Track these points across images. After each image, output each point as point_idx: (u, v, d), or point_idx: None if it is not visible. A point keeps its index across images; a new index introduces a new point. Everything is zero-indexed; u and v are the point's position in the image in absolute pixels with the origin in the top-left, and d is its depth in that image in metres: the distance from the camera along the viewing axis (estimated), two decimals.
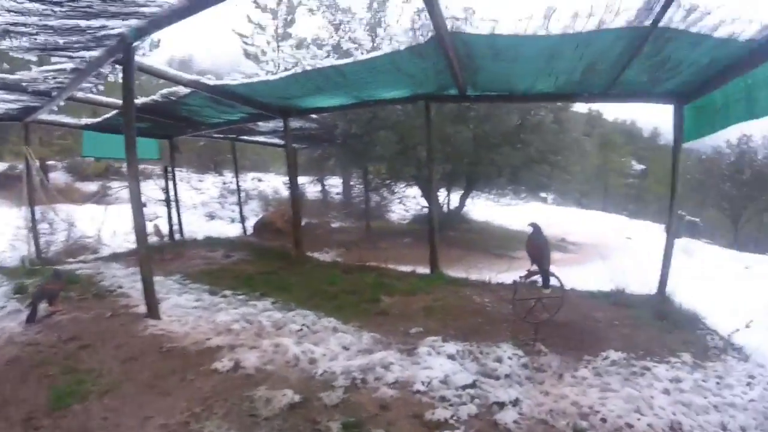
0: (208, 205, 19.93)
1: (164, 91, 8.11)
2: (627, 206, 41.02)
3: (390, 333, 4.94)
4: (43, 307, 5.26)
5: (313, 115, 10.05)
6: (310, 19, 17.34)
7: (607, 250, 13.01)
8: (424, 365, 4.00)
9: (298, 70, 6.15)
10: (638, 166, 47.04)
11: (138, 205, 5.28)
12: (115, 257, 9.88)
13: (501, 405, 3.43)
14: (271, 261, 8.83)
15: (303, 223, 13.49)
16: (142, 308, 5.39)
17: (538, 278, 5.18)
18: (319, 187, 21.27)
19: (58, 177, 22.15)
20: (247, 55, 25.63)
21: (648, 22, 4.38)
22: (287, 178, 12.34)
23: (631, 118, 56.34)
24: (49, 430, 3.22)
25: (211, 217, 18.28)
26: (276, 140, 14.05)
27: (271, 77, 6.50)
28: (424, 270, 8.01)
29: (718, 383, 4.04)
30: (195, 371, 3.88)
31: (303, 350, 4.15)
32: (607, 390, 3.80)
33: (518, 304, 5.12)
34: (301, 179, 17.60)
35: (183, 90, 7.76)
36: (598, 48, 5.06)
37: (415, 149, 12.98)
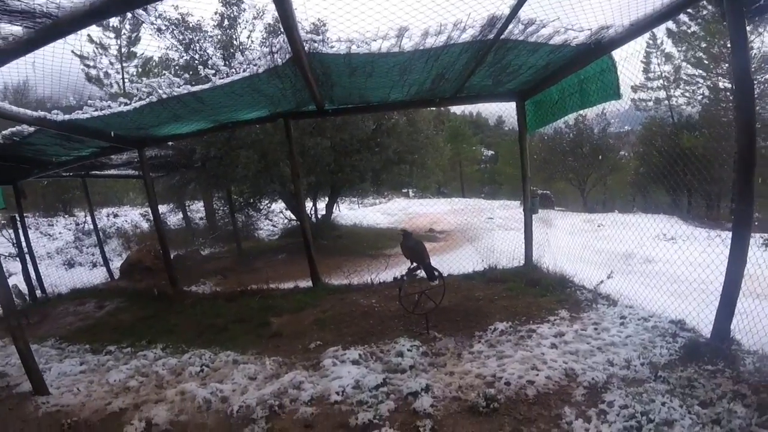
0: (64, 251, 18.17)
1: (6, 132, 7.20)
2: (483, 189, 43.98)
3: (290, 353, 4.98)
4: None
5: (169, 142, 9.69)
6: (157, 39, 16.40)
7: (473, 233, 13.87)
8: (333, 376, 4.13)
9: (154, 98, 5.90)
10: (488, 152, 50.83)
11: None
12: None
13: (415, 394, 3.67)
14: (149, 304, 8.31)
15: (173, 256, 12.89)
16: (26, 386, 4.79)
17: (419, 272, 5.51)
18: (180, 215, 20.37)
19: None
20: (89, 78, 23.69)
21: (491, 36, 4.86)
22: (146, 209, 11.48)
23: (477, 110, 60.34)
24: None
25: (70, 264, 16.69)
26: (130, 171, 13.22)
27: (125, 108, 6.08)
28: (306, 284, 8.06)
29: (596, 329, 4.67)
30: None
31: (211, 391, 4.04)
32: (503, 357, 4.22)
33: (405, 300, 5.39)
34: (162, 208, 16.74)
35: (27, 129, 6.97)
36: (446, 60, 5.50)
37: (277, 165, 13.00)
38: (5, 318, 4.80)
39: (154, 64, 22.95)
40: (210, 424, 3.66)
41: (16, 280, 10.70)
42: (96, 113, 6.37)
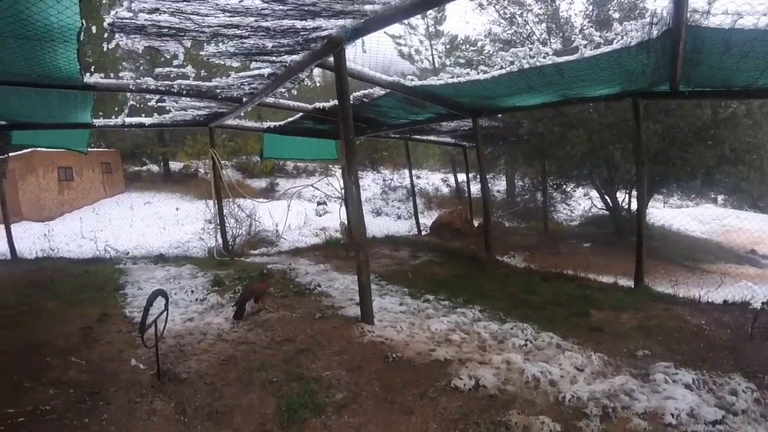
0: (371, 201, 20.68)
1: (358, 93, 8.25)
2: None
3: (614, 353, 4.57)
4: (248, 303, 5.51)
5: (499, 114, 9.93)
6: (479, 14, 17.41)
7: None
8: (665, 395, 3.65)
9: (515, 68, 5.96)
10: None
11: (358, 210, 5.24)
12: (297, 252, 10.37)
13: None
14: (462, 264, 8.69)
15: (477, 224, 13.40)
16: (350, 310, 5.45)
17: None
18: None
19: (229, 175, 23.94)
20: (402, 54, 26.40)
21: None
22: (445, 174, 11.84)
23: None
24: None
25: (377, 213, 18.92)
26: (447, 139, 14.07)
27: (482, 77, 6.37)
28: (622, 281, 7.46)
29: None
30: (434, 388, 3.72)
31: (540, 370, 3.93)
32: None
33: (759, 333, 4.57)
34: (462, 176, 17.53)
35: (378, 92, 7.86)
36: None
37: (605, 148, 12.00)
38: (355, 252, 5.45)
39: (460, 41, 24.27)
40: (539, 404, 3.52)
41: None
42: (451, 80, 6.73)
